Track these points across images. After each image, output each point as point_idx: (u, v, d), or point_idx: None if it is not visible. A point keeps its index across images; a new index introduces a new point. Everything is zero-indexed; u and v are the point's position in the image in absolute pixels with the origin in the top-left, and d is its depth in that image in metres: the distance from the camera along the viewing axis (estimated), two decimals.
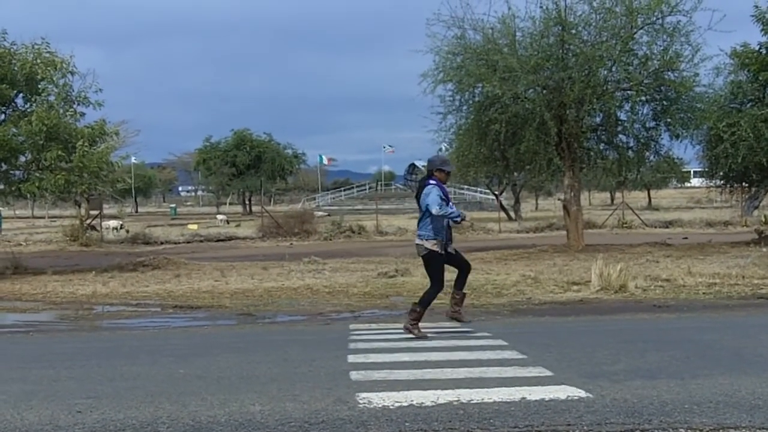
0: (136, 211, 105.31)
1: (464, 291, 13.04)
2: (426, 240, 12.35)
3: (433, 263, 12.49)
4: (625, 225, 51.94)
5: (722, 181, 36.39)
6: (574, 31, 29.37)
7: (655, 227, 50.89)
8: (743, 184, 36.71)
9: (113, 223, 52.81)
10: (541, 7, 29.41)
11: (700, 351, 10.52)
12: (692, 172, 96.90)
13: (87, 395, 8.43)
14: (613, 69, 29.86)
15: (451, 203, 12.62)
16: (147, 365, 10.30)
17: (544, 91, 29.85)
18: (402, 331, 12.77)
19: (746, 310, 15.63)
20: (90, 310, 17.90)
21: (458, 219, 12.37)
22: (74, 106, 26.31)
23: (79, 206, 45.78)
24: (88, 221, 46.17)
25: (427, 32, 30.19)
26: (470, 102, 30.98)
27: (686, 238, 38.72)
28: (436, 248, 12.32)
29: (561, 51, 29.44)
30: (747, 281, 19.63)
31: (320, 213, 63.32)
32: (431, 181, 12.48)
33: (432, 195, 12.26)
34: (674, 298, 17.61)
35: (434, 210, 12.18)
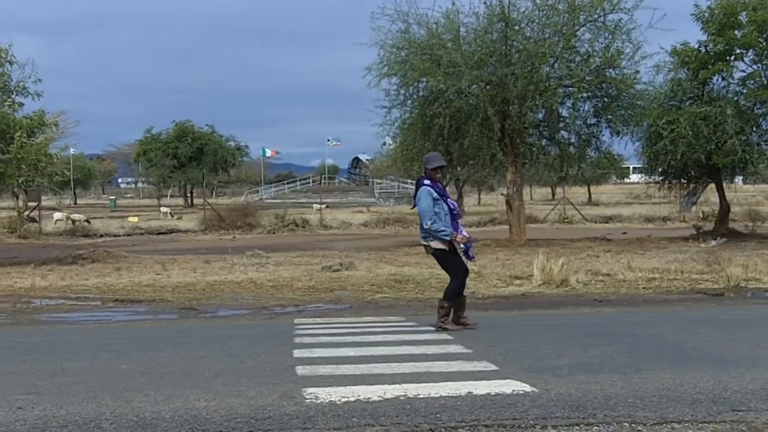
0: (75, 203, 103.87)
1: (464, 295, 12.69)
2: (430, 240, 12.27)
3: (442, 259, 12.41)
4: (566, 220, 52.39)
5: (661, 178, 36.83)
6: (517, 28, 29.57)
7: (596, 222, 51.33)
8: (682, 180, 37.10)
9: (58, 215, 52.08)
10: (484, 3, 29.66)
11: (641, 345, 10.63)
12: (631, 168, 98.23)
13: (28, 391, 8.32)
14: (556, 66, 30.12)
15: (450, 200, 12.46)
16: (88, 360, 10.18)
17: (488, 87, 30.04)
18: (347, 325, 12.80)
19: (685, 305, 15.84)
20: (29, 303, 17.65)
21: (446, 237, 12.16)
22: (12, 96, 25.99)
23: (17, 198, 45.13)
24: (27, 213, 45.55)
25: (371, 26, 30.23)
26: (414, 96, 31.10)
27: (626, 233, 39.13)
28: (441, 246, 12.25)
29: (504, 47, 29.64)
30: (686, 276, 19.89)
31: (317, 206, 62.71)
32: (425, 182, 12.33)
33: (422, 201, 12.18)
34: (615, 292, 17.79)
35: (425, 224, 12.13)
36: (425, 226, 12.13)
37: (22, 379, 8.97)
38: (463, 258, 12.57)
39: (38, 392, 8.26)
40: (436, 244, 12.21)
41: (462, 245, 12.40)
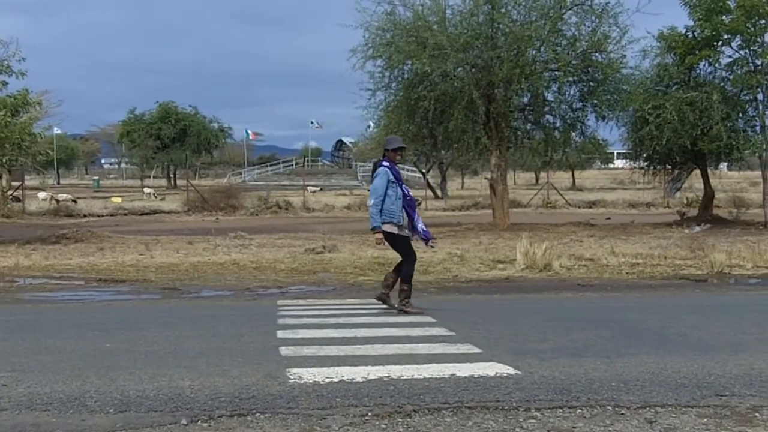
0: (59, 183, 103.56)
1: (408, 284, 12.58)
2: (383, 224, 12.25)
3: (393, 242, 12.40)
4: (549, 205, 52.42)
5: (646, 163, 36.90)
6: (503, 10, 29.53)
7: (579, 207, 51.40)
8: (666, 166, 37.22)
9: (42, 194, 51.95)
10: None
11: (625, 330, 10.67)
12: (616, 154, 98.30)
13: (12, 368, 8.30)
14: (542, 49, 30.09)
15: (405, 186, 12.46)
16: (72, 339, 10.16)
17: (473, 70, 29.98)
18: (331, 307, 12.82)
19: (668, 290, 15.87)
20: (12, 282, 17.56)
21: (373, 224, 12.19)
22: None
23: (1, 177, 45.02)
24: (10, 192, 45.41)
25: (356, 7, 30.11)
26: (399, 79, 31.03)
27: (609, 218, 39.18)
28: (389, 230, 12.22)
29: (490, 30, 29.58)
30: (669, 262, 19.92)
31: (312, 189, 62.92)
32: (384, 163, 12.37)
33: (376, 180, 12.23)
34: (598, 277, 17.81)
35: (369, 202, 12.19)
36: (368, 204, 12.18)
37: (5, 357, 8.96)
38: (423, 242, 12.62)
39: (22, 370, 8.25)
40: (386, 228, 12.22)
41: (422, 234, 12.40)
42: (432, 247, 13.14)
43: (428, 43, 28.60)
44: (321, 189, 72.23)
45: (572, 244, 24.50)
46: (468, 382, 7.66)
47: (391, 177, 12.14)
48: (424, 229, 12.58)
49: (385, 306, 12.72)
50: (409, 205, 12.37)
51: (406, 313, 12.18)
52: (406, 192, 12.36)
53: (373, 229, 12.20)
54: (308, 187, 65.37)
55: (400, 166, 12.77)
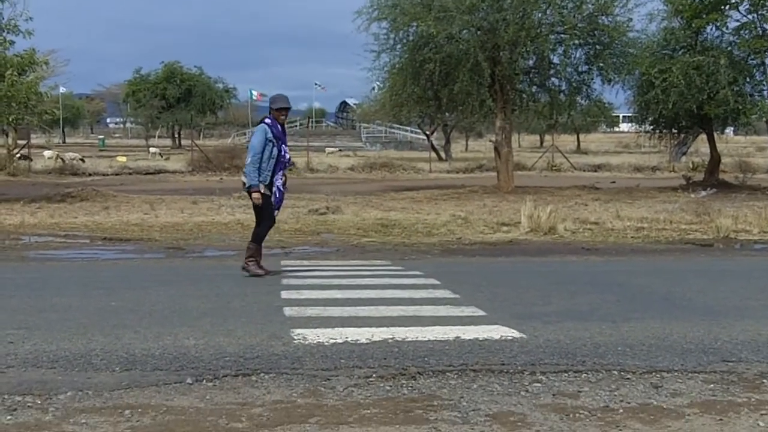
0: (64, 142, 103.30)
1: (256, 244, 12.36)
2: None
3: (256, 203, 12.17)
4: (554, 168, 52.30)
5: (651, 127, 36.79)
6: None
7: (584, 171, 51.26)
8: (672, 130, 37.09)
9: (48, 153, 51.90)
10: None
11: (630, 294, 10.66)
12: (621, 117, 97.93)
13: (18, 326, 8.31)
14: (548, 12, 29.91)
15: (285, 146, 12.24)
16: (78, 297, 10.17)
17: (479, 32, 29.82)
18: (334, 268, 12.81)
19: (674, 255, 15.85)
20: (18, 240, 17.56)
21: (250, 183, 11.93)
22: (3, 34, 25.80)
23: (7, 136, 44.98)
24: (17, 151, 45.38)
25: None
26: (404, 41, 30.87)
27: (614, 182, 39.10)
28: (265, 191, 12.00)
29: None
30: (675, 226, 19.89)
31: (330, 150, 63.12)
32: (266, 120, 12.18)
33: (254, 137, 12.06)
34: (603, 241, 17.77)
35: (246, 160, 12.00)
36: (246, 161, 11.97)
37: (11, 315, 8.97)
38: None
39: (28, 327, 8.26)
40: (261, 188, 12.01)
41: (276, 195, 12.24)
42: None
43: (434, 5, 28.45)
44: (340, 150, 72.48)
45: (577, 207, 24.48)
46: (473, 344, 7.65)
47: (270, 135, 11.91)
48: (281, 188, 12.32)
49: (389, 262, 12.71)
50: (281, 166, 12.21)
51: (248, 270, 11.97)
52: (283, 152, 12.18)
53: (249, 188, 11.94)
54: (326, 149, 65.48)
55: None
